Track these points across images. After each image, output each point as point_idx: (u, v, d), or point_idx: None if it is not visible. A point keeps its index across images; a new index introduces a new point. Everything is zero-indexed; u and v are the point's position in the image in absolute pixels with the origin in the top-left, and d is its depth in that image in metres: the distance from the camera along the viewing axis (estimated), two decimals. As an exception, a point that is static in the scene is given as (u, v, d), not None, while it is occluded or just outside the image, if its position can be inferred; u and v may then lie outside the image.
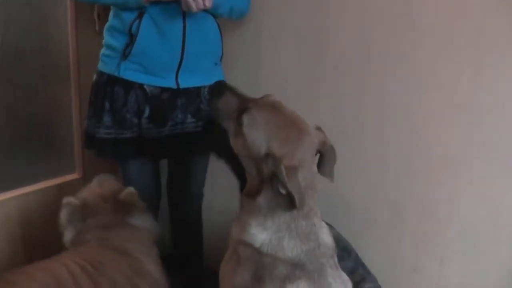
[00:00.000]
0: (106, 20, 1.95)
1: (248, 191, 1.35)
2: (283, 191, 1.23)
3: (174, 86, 1.88)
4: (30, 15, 2.21)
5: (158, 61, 1.84)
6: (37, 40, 2.26)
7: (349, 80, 1.93)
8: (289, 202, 1.24)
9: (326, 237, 1.35)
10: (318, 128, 1.38)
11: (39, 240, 2.31)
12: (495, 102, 1.61)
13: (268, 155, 1.27)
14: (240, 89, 2.02)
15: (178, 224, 2.20)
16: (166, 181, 2.17)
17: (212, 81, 1.91)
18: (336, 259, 1.39)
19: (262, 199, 1.31)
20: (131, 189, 1.82)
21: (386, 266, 1.94)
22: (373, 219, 1.96)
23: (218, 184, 2.30)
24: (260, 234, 1.31)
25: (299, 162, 1.26)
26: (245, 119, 1.33)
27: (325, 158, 1.38)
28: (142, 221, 1.84)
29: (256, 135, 1.31)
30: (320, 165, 1.38)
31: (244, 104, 1.37)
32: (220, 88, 1.48)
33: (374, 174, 1.93)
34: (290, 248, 1.29)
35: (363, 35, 1.86)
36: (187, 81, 1.89)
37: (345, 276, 1.40)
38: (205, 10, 1.78)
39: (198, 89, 1.93)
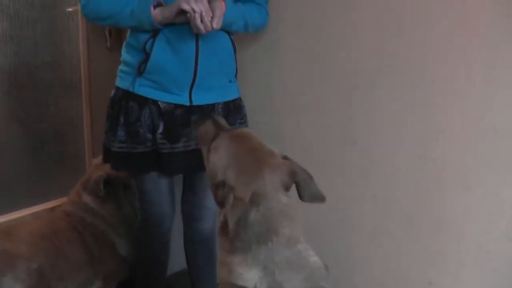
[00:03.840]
0: (118, 37, 1.98)
1: (221, 226, 1.31)
2: (223, 221, 1.24)
3: (188, 103, 1.90)
4: (42, 30, 2.25)
5: (171, 78, 1.86)
6: (49, 55, 2.31)
7: (360, 95, 1.95)
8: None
9: (316, 259, 1.32)
10: (285, 158, 1.37)
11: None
12: (509, 114, 1.62)
13: (223, 182, 1.28)
14: (248, 105, 2.07)
15: (192, 240, 2.19)
16: (181, 196, 2.18)
17: (227, 98, 1.98)
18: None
19: (232, 233, 1.27)
20: None
21: (400, 281, 1.95)
22: (385, 233, 1.97)
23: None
24: (248, 273, 1.27)
25: (254, 193, 1.25)
26: (212, 145, 1.39)
27: (301, 185, 1.35)
28: None
29: (216, 161, 1.35)
30: (300, 193, 1.36)
31: (217, 132, 1.43)
32: (203, 117, 1.57)
33: (385, 188, 1.94)
34: (287, 281, 1.25)
35: (373, 51, 1.88)
36: (200, 98, 1.91)
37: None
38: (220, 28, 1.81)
39: (212, 106, 1.95)
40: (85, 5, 1.84)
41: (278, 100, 2.23)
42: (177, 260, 2.39)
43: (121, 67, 1.96)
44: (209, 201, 2.10)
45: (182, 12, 1.71)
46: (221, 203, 1.30)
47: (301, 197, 1.35)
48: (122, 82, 1.93)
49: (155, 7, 1.76)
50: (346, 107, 2.00)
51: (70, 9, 2.24)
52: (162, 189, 2.07)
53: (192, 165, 1.95)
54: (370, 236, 2.01)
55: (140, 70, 1.86)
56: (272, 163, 1.31)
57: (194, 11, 1.68)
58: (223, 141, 1.38)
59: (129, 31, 1.93)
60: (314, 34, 2.05)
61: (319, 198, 1.36)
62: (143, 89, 1.88)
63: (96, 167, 2.29)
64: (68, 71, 2.37)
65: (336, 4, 1.96)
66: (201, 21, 1.70)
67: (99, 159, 2.24)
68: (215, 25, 1.73)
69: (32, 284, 1.88)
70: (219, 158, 1.35)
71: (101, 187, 2.19)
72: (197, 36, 1.82)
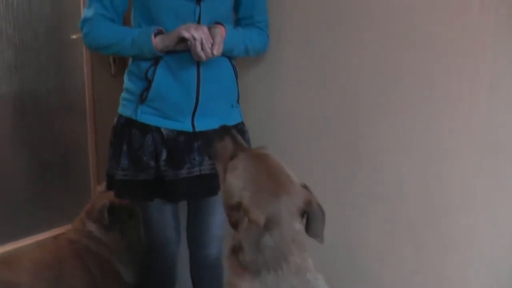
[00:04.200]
0: (122, 64, 1.99)
1: (232, 248, 1.30)
2: (236, 243, 1.23)
3: (190, 130, 1.90)
4: (46, 58, 2.28)
5: (173, 105, 1.87)
6: (54, 82, 2.34)
7: (364, 115, 1.94)
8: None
9: None
10: (305, 186, 1.35)
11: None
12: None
13: (239, 204, 1.26)
14: (250, 129, 2.06)
15: (197, 266, 2.17)
16: (186, 222, 2.17)
17: (230, 123, 1.95)
18: None
19: (243, 257, 1.26)
20: None
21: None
22: (392, 254, 1.94)
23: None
24: None
25: (269, 217, 1.23)
26: (230, 165, 1.36)
27: (311, 218, 1.34)
28: None
29: (233, 182, 1.33)
30: (307, 225, 1.34)
31: (235, 152, 1.40)
32: (221, 132, 1.51)
33: (391, 208, 1.92)
34: None
35: (377, 71, 1.88)
36: (203, 124, 1.91)
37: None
38: (221, 53, 1.82)
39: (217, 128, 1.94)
40: (86, 35, 1.86)
41: (280, 123, 2.22)
42: (184, 284, 2.37)
43: (123, 94, 1.97)
44: (214, 228, 2.09)
45: (183, 39, 1.73)
46: (235, 225, 1.29)
47: (306, 228, 1.34)
48: (124, 109, 1.94)
49: (155, 35, 1.78)
50: (350, 128, 1.99)
51: (74, 37, 2.26)
52: (166, 216, 2.06)
53: (196, 192, 1.95)
54: (377, 257, 1.99)
55: (142, 98, 1.87)
56: (289, 189, 1.30)
57: (195, 39, 1.70)
58: (242, 161, 1.35)
59: (130, 59, 1.94)
60: (316, 56, 2.05)
61: (319, 238, 1.34)
62: (145, 116, 1.88)
63: (100, 194, 2.29)
64: (73, 97, 2.39)
65: (338, 25, 1.96)
66: (202, 48, 1.71)
67: (103, 186, 2.23)
68: (215, 52, 1.74)
69: None
70: (236, 179, 1.32)
71: (106, 215, 2.19)
72: (198, 62, 1.83)
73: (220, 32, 1.78)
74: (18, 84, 2.20)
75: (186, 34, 1.70)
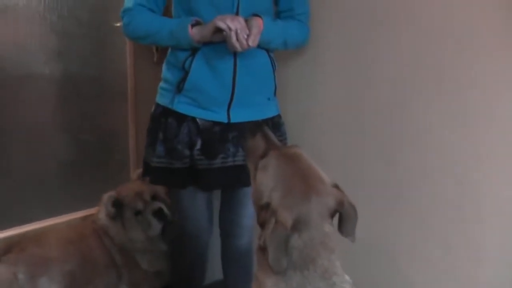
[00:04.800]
0: (164, 52, 2.02)
1: (261, 246, 1.29)
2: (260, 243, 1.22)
3: (225, 121, 1.91)
4: (90, 45, 2.32)
5: (209, 96, 1.88)
6: (96, 69, 2.38)
7: (398, 114, 1.92)
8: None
9: None
10: (336, 186, 1.33)
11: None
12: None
13: (268, 205, 1.25)
14: (287, 122, 2.05)
15: (228, 254, 2.21)
16: (219, 211, 2.20)
17: (265, 116, 1.98)
18: None
19: (271, 259, 1.25)
20: None
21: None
22: (423, 258, 1.92)
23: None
24: None
25: (298, 219, 1.22)
26: (260, 164, 1.34)
27: (343, 218, 1.32)
28: None
29: (263, 182, 1.31)
30: (340, 225, 1.33)
31: (267, 150, 1.38)
32: (253, 129, 1.50)
33: (422, 212, 1.90)
34: None
35: (412, 68, 1.85)
36: (238, 116, 1.92)
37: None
38: (259, 46, 1.82)
39: (250, 123, 1.95)
40: (126, 25, 1.90)
41: (317, 118, 2.21)
42: (216, 270, 2.40)
43: (161, 84, 2.00)
44: (245, 218, 2.11)
45: (219, 30, 1.73)
46: (262, 225, 1.28)
47: (339, 228, 1.33)
48: (162, 98, 1.97)
49: (193, 26, 1.79)
50: (386, 128, 1.97)
51: (117, 24, 2.30)
52: (199, 205, 2.09)
53: (229, 181, 1.97)
54: (407, 260, 1.97)
55: (179, 88, 1.90)
56: (321, 190, 1.28)
57: (230, 29, 1.70)
58: (272, 160, 1.33)
59: (170, 49, 1.97)
60: (357, 51, 2.03)
61: (351, 237, 1.33)
62: (181, 106, 1.91)
63: (131, 182, 2.35)
64: (115, 84, 2.44)
65: (375, 21, 1.94)
66: (237, 39, 1.71)
67: (137, 172, 2.32)
68: (251, 43, 1.74)
69: (66, 286, 1.98)
70: (266, 179, 1.31)
71: (109, 207, 2.20)
72: (235, 54, 1.84)
73: (257, 24, 1.77)
74: (61, 69, 2.25)
75: (222, 24, 1.71)
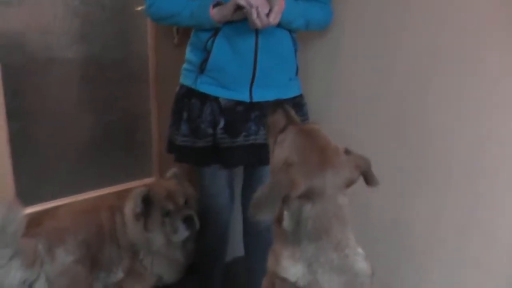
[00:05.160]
0: (185, 35, 2.05)
1: (277, 216, 1.33)
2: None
3: (248, 100, 1.95)
4: (112, 29, 2.36)
5: (231, 75, 1.92)
6: (119, 52, 2.42)
7: (415, 96, 1.92)
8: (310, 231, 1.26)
9: (362, 265, 1.32)
10: (347, 152, 1.36)
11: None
12: None
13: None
14: (309, 103, 2.07)
15: (249, 231, 2.25)
16: (241, 189, 2.25)
17: (287, 96, 2.00)
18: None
19: (285, 225, 1.31)
20: None
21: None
22: (436, 242, 1.93)
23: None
24: (293, 268, 1.30)
25: (310, 189, 1.25)
26: (279, 138, 1.38)
27: (365, 175, 1.37)
28: None
29: (280, 154, 1.35)
30: (366, 181, 1.38)
31: (286, 125, 1.42)
32: (274, 106, 1.54)
33: (437, 194, 1.91)
34: (327, 282, 1.27)
35: (429, 53, 1.85)
36: (260, 95, 1.95)
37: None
38: (280, 25, 1.85)
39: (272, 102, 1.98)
40: (150, 6, 1.93)
41: (338, 99, 2.23)
42: (238, 246, 2.45)
43: (185, 65, 2.05)
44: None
45: (239, 8, 1.75)
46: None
47: (367, 183, 1.38)
48: (185, 79, 2.02)
49: (214, 6, 1.82)
50: (401, 108, 1.98)
51: (138, 8, 2.33)
52: (221, 182, 2.15)
53: (250, 159, 2.01)
54: (421, 244, 1.99)
55: (201, 68, 1.94)
56: (336, 163, 1.30)
57: (250, 6, 1.71)
58: (290, 135, 1.36)
59: (193, 30, 2.01)
60: (375, 34, 2.03)
61: (375, 182, 1.38)
62: (204, 86, 1.95)
63: (165, 180, 2.35)
64: (136, 67, 2.48)
65: (396, 5, 1.94)
66: (257, 15, 1.72)
67: (171, 172, 2.33)
68: (271, 20, 1.75)
69: (81, 256, 2.03)
70: (283, 151, 1.34)
71: (139, 202, 2.14)
72: (257, 34, 1.86)
73: (278, 2, 1.78)
74: (84, 52, 2.30)
75: (242, 2, 1.72)
